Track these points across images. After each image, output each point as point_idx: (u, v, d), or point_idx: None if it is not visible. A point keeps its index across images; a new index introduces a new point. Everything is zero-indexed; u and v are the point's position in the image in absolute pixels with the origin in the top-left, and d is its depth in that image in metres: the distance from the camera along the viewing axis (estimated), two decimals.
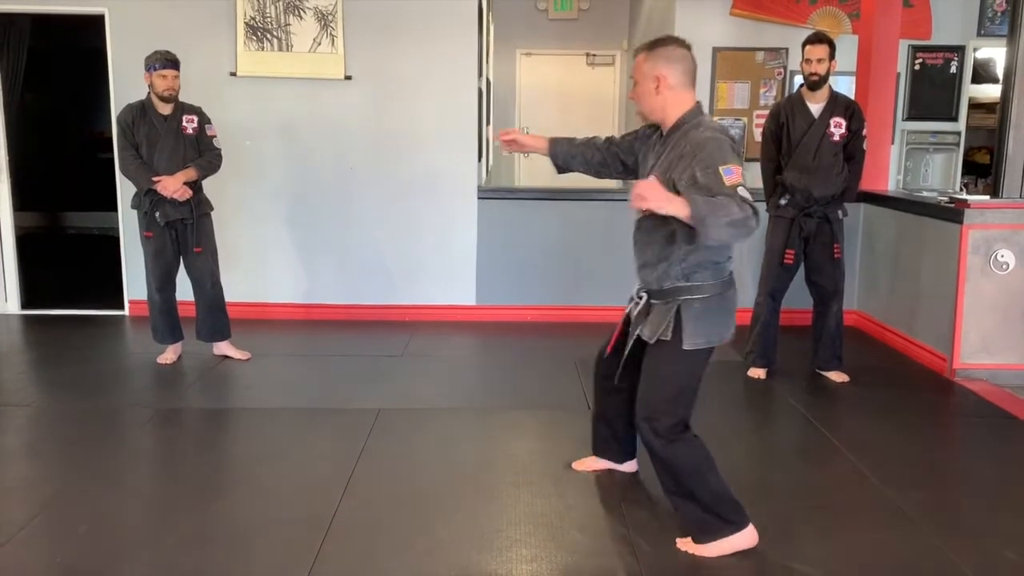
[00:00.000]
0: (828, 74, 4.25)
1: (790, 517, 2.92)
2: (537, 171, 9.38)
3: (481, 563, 2.59)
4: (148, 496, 3.16)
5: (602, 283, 5.72)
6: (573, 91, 9.30)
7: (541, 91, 9.34)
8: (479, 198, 5.65)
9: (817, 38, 4.25)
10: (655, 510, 2.90)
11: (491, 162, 8.39)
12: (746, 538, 2.61)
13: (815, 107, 4.28)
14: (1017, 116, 4.39)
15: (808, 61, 4.23)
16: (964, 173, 7.12)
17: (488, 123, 7.60)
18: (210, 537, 2.75)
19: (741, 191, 2.31)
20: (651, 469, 3.27)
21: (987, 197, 4.58)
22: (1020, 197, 4.49)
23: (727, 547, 2.59)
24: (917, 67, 6.68)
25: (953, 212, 4.50)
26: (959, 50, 6.67)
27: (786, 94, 6.36)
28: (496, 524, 2.84)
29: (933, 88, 6.70)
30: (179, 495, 3.10)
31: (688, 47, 2.54)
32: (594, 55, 9.29)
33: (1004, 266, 4.43)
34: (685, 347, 2.52)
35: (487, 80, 7.11)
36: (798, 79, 6.03)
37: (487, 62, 7.12)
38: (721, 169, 2.31)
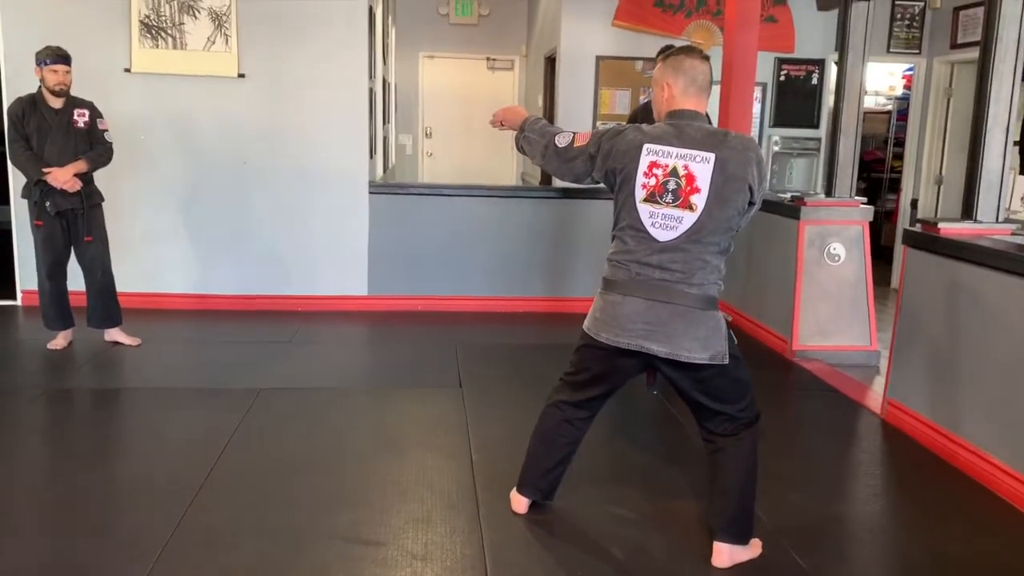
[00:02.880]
0: None
1: (626, 470, 3.32)
2: (439, 170, 9.73)
3: (337, 513, 2.89)
4: (32, 465, 3.36)
5: (489, 275, 6.09)
6: (474, 94, 9.65)
7: (443, 93, 9.67)
8: (371, 193, 5.94)
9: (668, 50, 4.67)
10: (501, 466, 3.24)
11: (392, 160, 8.68)
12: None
13: None
14: (846, 124, 4.92)
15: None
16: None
17: (387, 122, 7.88)
18: (88, 499, 2.99)
19: (563, 140, 2.73)
20: (503, 436, 3.64)
21: (822, 196, 5.10)
22: (850, 196, 5.02)
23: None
24: (782, 78, 7.26)
25: (792, 209, 5.01)
26: (820, 63, 7.28)
27: None
28: (355, 483, 3.16)
29: (796, 98, 7.29)
30: (63, 462, 3.33)
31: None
32: (494, 59, 9.66)
33: (836, 258, 4.95)
34: None
35: (384, 81, 7.39)
36: None
37: (384, 63, 7.40)
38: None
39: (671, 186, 2.49)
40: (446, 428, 3.75)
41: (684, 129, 2.53)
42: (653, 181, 2.50)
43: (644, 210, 2.52)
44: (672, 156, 2.50)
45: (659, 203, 2.50)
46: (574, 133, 2.76)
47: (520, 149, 2.92)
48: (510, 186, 8.59)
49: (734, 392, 2.60)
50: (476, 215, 6.08)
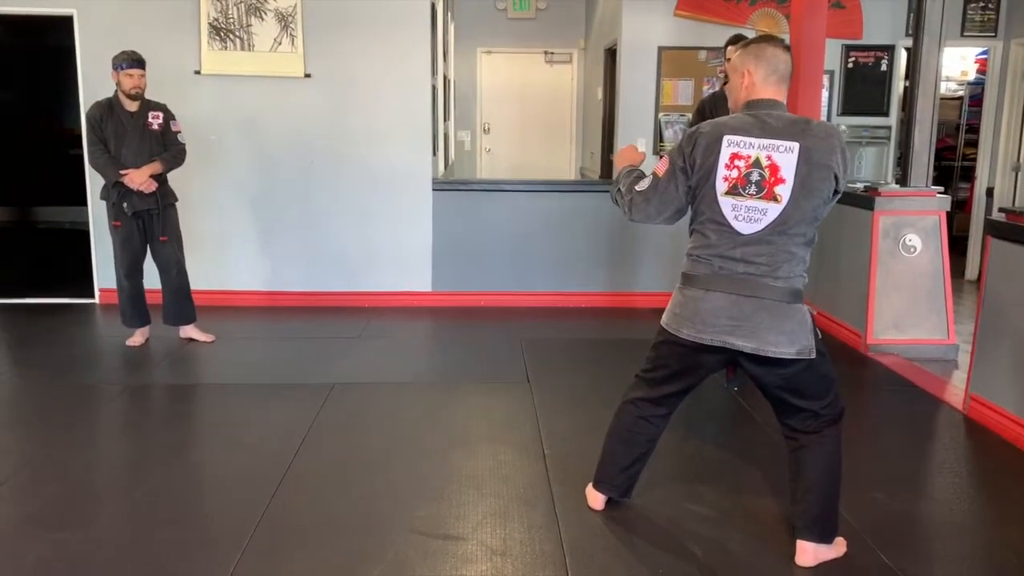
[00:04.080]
0: None
1: (701, 467, 3.28)
2: (498, 166, 9.74)
3: (415, 507, 2.92)
4: (117, 457, 3.48)
5: (551, 269, 6.08)
6: (532, 88, 9.64)
7: (502, 88, 9.67)
8: (434, 190, 5.97)
9: (737, 39, 4.60)
10: (574, 462, 3.24)
11: (452, 156, 8.71)
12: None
13: None
14: (921, 112, 4.78)
15: (728, 60, 4.58)
16: (899, 165, 7.54)
17: (447, 119, 7.91)
18: (172, 490, 3.07)
19: (644, 183, 2.65)
20: (574, 431, 3.64)
21: (895, 186, 4.97)
22: (925, 186, 4.88)
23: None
24: (850, 65, 7.08)
25: (866, 200, 4.89)
26: (889, 49, 7.08)
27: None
28: (431, 477, 3.18)
29: (865, 85, 7.10)
30: (145, 456, 3.41)
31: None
32: (552, 53, 9.63)
33: (912, 249, 4.82)
34: None
35: (444, 78, 7.42)
36: None
37: (444, 60, 7.42)
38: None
39: (754, 177, 2.43)
40: (517, 423, 3.75)
41: (765, 119, 2.47)
42: (735, 173, 2.45)
43: (726, 203, 2.47)
44: (754, 147, 2.44)
45: (742, 195, 2.45)
46: (650, 174, 2.66)
47: (615, 201, 2.80)
48: (572, 180, 8.56)
49: (819, 388, 2.55)
50: (538, 210, 6.07)
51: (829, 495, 2.58)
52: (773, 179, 2.42)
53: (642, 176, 2.71)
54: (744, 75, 2.56)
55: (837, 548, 2.62)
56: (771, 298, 2.44)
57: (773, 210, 2.43)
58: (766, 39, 2.59)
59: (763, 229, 2.44)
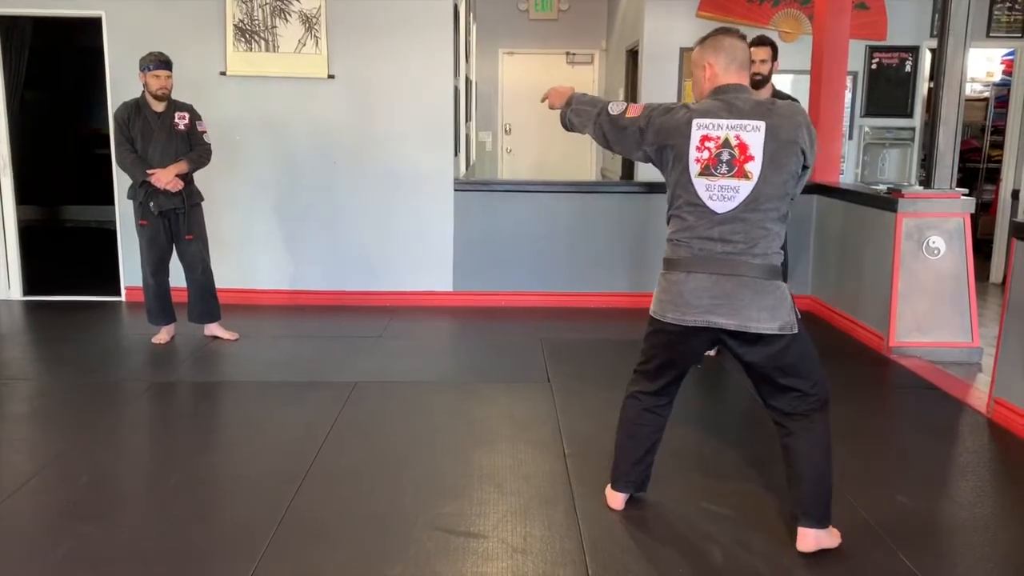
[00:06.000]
0: (771, 74, 4.61)
1: (720, 468, 3.28)
2: (518, 166, 9.76)
3: (437, 505, 2.94)
4: (142, 454, 3.53)
5: (571, 270, 6.09)
6: None
7: (523, 89, 9.69)
8: (455, 190, 6.00)
9: (760, 40, 4.60)
10: (594, 461, 3.25)
11: (473, 157, 8.75)
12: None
13: None
14: (946, 113, 4.74)
15: (752, 62, 4.57)
16: (923, 167, 7.48)
17: (469, 119, 7.95)
18: (196, 487, 3.11)
19: (616, 108, 2.74)
20: (593, 431, 3.66)
21: (919, 187, 4.94)
22: (950, 188, 4.85)
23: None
24: (874, 66, 7.05)
25: (889, 201, 4.86)
26: (913, 50, 7.04)
27: None
28: (452, 475, 3.21)
29: (889, 86, 7.07)
30: (170, 453, 3.47)
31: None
32: (574, 54, 9.65)
33: (935, 252, 4.79)
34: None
35: (466, 79, 7.45)
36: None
37: (466, 61, 7.45)
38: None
39: (725, 157, 2.51)
40: (537, 422, 3.77)
41: (732, 102, 2.55)
42: (706, 155, 2.53)
43: (700, 184, 2.54)
44: (723, 128, 2.52)
45: (714, 175, 2.52)
46: (627, 103, 2.77)
47: (567, 124, 2.90)
48: (593, 181, 8.58)
49: (804, 366, 2.59)
50: (559, 210, 6.08)
51: (824, 480, 2.62)
52: (743, 157, 2.50)
53: (610, 101, 2.80)
54: (706, 67, 2.63)
55: (832, 536, 2.66)
56: (751, 275, 2.51)
57: (745, 187, 2.50)
58: (722, 31, 2.69)
59: (737, 207, 2.51)
